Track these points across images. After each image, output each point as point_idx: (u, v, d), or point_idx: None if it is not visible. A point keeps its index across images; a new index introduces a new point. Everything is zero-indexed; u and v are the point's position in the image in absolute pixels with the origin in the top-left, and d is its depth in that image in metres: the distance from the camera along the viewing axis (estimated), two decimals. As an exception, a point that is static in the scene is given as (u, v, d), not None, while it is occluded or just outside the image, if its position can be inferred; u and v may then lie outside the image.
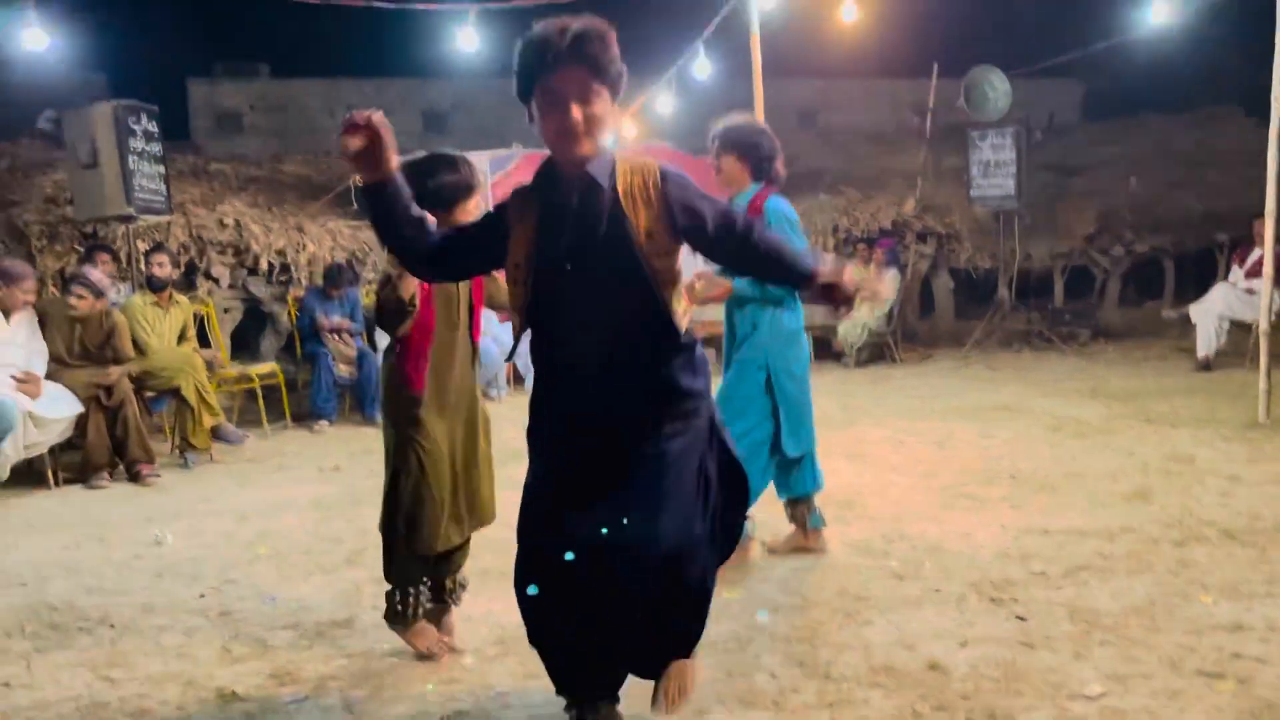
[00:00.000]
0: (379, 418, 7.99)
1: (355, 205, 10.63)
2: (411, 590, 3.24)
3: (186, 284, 9.17)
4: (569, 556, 2.34)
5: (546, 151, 2.37)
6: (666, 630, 2.53)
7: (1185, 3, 7.77)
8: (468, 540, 3.37)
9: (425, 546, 3.18)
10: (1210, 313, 9.08)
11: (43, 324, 6.38)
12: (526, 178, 2.45)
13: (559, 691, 2.63)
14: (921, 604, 3.60)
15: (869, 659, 3.13)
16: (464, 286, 3.28)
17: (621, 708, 2.63)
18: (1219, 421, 6.66)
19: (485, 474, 3.34)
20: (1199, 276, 11.91)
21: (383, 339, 7.99)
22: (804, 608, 3.62)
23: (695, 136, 14.32)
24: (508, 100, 2.36)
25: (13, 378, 5.92)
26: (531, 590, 2.45)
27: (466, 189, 3.16)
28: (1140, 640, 3.18)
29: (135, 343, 6.80)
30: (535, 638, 2.57)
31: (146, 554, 4.67)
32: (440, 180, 3.08)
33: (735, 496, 2.60)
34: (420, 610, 3.28)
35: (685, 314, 2.40)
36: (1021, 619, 3.41)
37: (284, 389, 8.41)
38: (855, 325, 10.54)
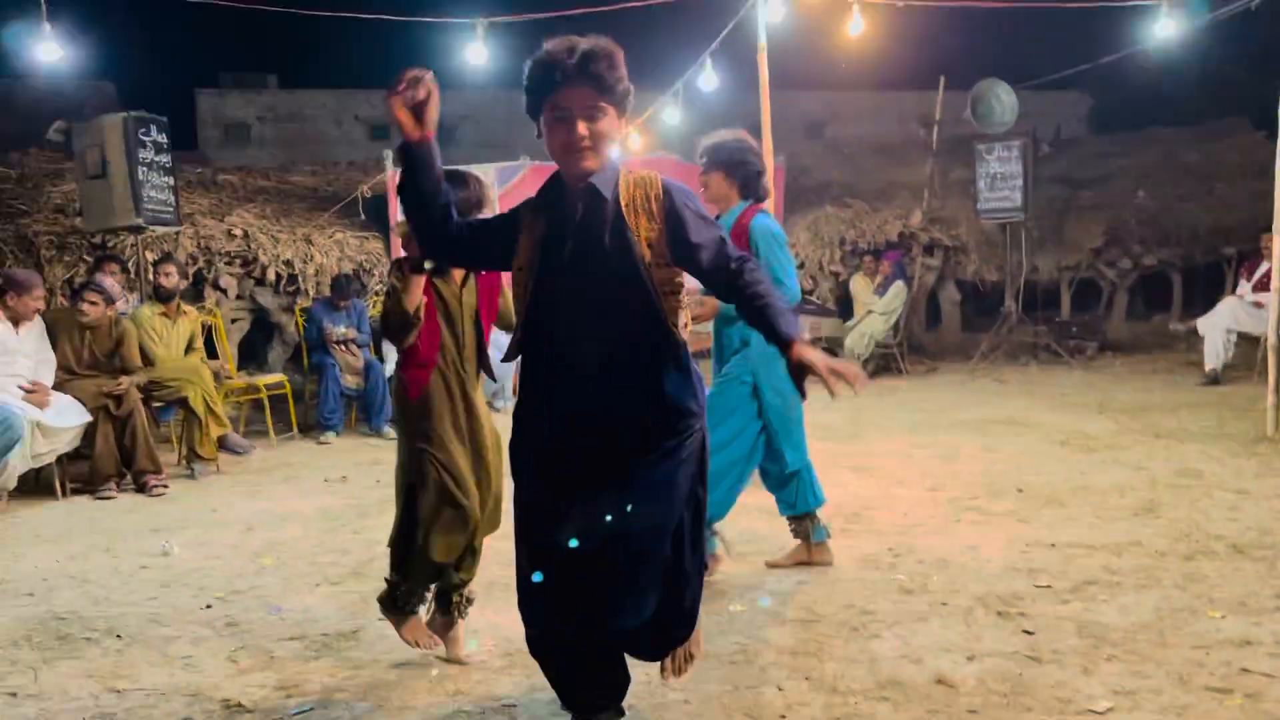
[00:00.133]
0: (385, 429, 8.09)
1: (363, 216, 10.66)
2: (418, 587, 3.29)
3: (194, 294, 9.20)
4: (566, 550, 2.38)
5: (554, 165, 2.42)
6: (664, 632, 2.56)
7: (1192, 16, 7.77)
8: (477, 552, 3.38)
9: (444, 555, 3.23)
10: (1218, 326, 9.06)
11: (52, 334, 6.40)
12: (533, 189, 2.51)
13: (564, 704, 2.63)
14: (928, 617, 3.59)
15: (876, 673, 3.13)
16: (469, 303, 3.30)
17: None
18: (1227, 436, 6.64)
19: (494, 484, 3.35)
20: (1207, 290, 11.89)
21: (390, 351, 8.02)
22: (810, 621, 3.61)
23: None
24: (515, 112, 2.41)
25: (20, 388, 5.95)
26: (536, 577, 2.47)
27: (476, 204, 3.21)
28: (1148, 655, 3.17)
29: (143, 353, 6.82)
30: (536, 645, 2.59)
31: (153, 564, 4.67)
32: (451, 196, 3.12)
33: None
34: (417, 605, 3.33)
35: (686, 326, 2.43)
36: (1029, 633, 3.40)
37: (291, 400, 8.43)
38: (862, 337, 10.54)
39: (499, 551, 3.54)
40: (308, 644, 3.58)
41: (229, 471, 6.93)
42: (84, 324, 6.50)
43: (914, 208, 12.19)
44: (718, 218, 3.96)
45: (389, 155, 10.39)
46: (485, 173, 10.00)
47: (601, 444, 2.39)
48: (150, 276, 7.75)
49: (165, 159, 7.85)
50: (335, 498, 5.98)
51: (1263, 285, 9.05)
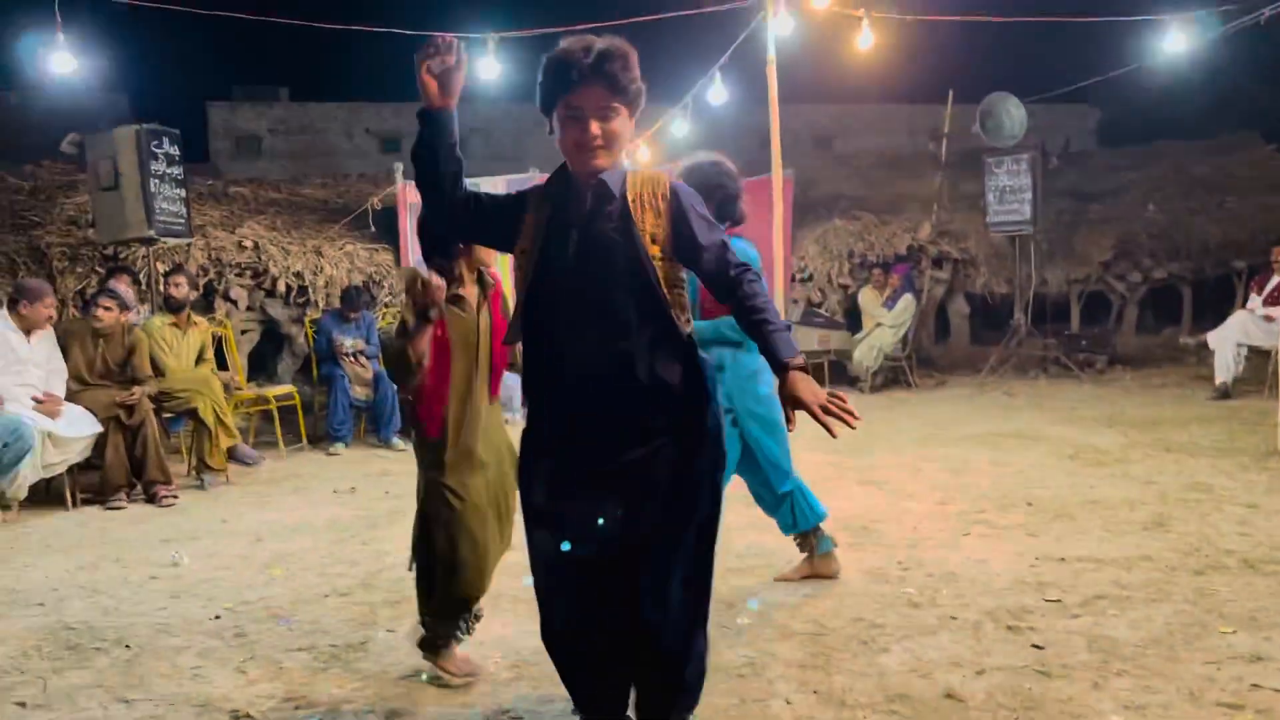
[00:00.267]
0: (394, 440, 8.11)
1: (373, 228, 10.70)
2: (457, 624, 3.25)
3: (205, 306, 9.24)
4: (584, 544, 2.40)
5: None
6: (674, 650, 2.52)
7: (1202, 30, 7.77)
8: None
9: (471, 590, 3.20)
10: (1228, 340, 9.03)
11: (64, 345, 6.44)
12: None
13: (575, 707, 2.65)
14: (937, 631, 3.58)
15: (884, 687, 3.12)
16: (486, 326, 3.26)
17: None
18: (1238, 450, 6.62)
19: (513, 507, 3.29)
20: (1217, 303, 11.85)
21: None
22: (819, 634, 3.60)
23: (711, 161, 14.25)
24: (525, 125, 2.45)
25: (33, 399, 5.98)
26: (557, 573, 2.49)
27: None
28: (1159, 670, 3.16)
29: (153, 363, 6.86)
30: (555, 641, 2.60)
31: (163, 575, 4.69)
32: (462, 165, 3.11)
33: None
34: (457, 641, 3.28)
35: (687, 320, 2.45)
36: (1038, 648, 3.39)
37: (300, 411, 8.45)
38: (871, 350, 10.53)
39: (505, 563, 3.53)
40: (316, 655, 3.58)
41: (238, 482, 6.95)
42: (98, 330, 6.54)
43: (923, 221, 12.19)
44: None
45: (399, 168, 10.43)
46: (494, 184, 10.06)
47: (611, 433, 2.40)
48: (161, 288, 7.79)
49: (177, 171, 7.90)
50: (344, 509, 5.99)
51: (1273, 299, 9.05)
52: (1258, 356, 9.05)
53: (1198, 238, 12.27)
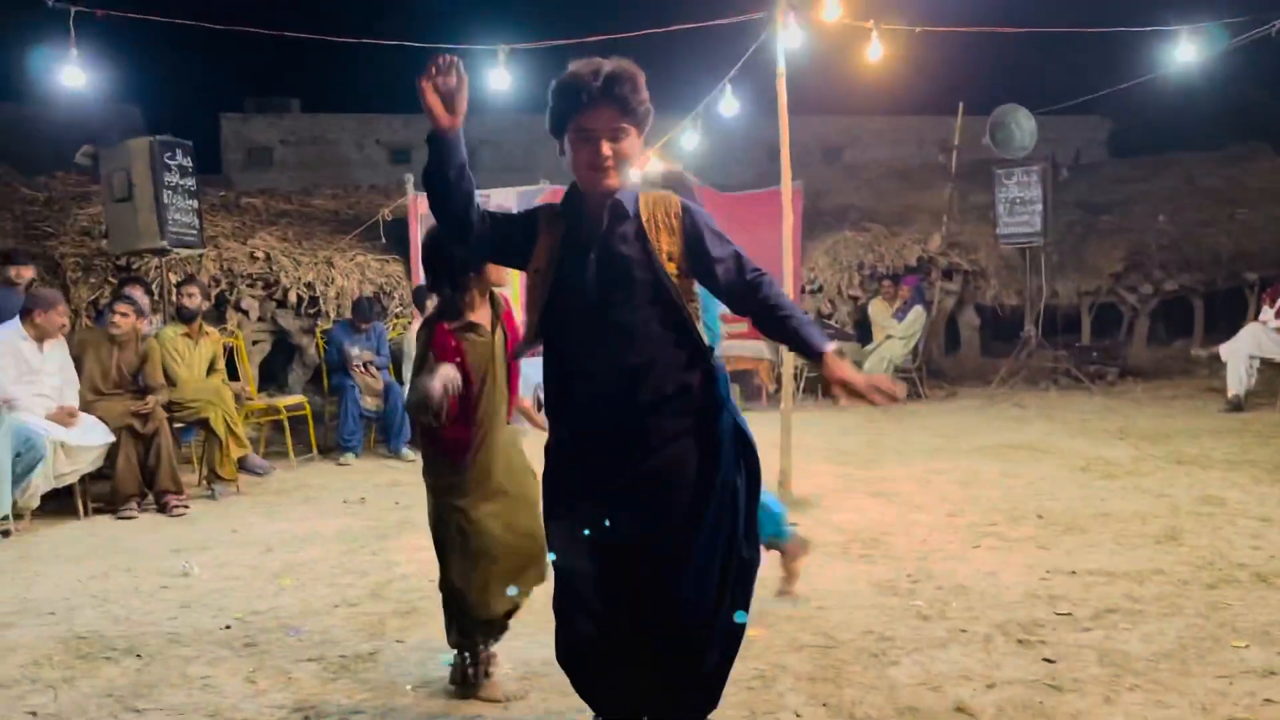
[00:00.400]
0: (404, 451, 8.12)
1: (384, 239, 10.74)
2: (481, 652, 3.24)
3: (216, 316, 9.28)
4: (609, 552, 2.43)
5: None
6: (700, 656, 2.51)
7: (1212, 41, 7.76)
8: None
9: (486, 611, 3.18)
10: (1240, 352, 8.99)
11: (78, 355, 6.48)
12: None
13: (595, 710, 2.67)
14: (948, 644, 3.57)
15: (894, 700, 3.11)
16: (501, 349, 3.25)
17: None
18: (1250, 463, 6.59)
19: (537, 530, 3.20)
20: (1229, 315, 11.81)
21: (408, 372, 8.06)
22: (828, 647, 3.59)
23: (722, 173, 14.41)
24: (535, 137, 2.48)
25: (50, 415, 6.01)
26: (577, 581, 2.52)
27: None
28: (1171, 685, 3.14)
29: (165, 373, 6.89)
30: (571, 651, 2.62)
31: (173, 584, 4.70)
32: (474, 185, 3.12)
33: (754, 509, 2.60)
34: (488, 670, 3.25)
35: (703, 331, 2.48)
36: (1049, 661, 3.37)
37: (311, 421, 8.47)
38: (881, 361, 10.51)
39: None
40: (326, 665, 3.59)
41: (249, 492, 6.97)
42: (114, 337, 6.59)
43: (933, 232, 12.18)
44: None
45: (410, 179, 10.48)
46: (505, 196, 10.08)
47: (633, 443, 2.43)
48: (174, 298, 7.83)
49: (190, 182, 7.94)
50: (354, 519, 6.00)
51: (1286, 312, 9.00)
52: (1270, 369, 9.01)
53: (1209, 249, 12.23)
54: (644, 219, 2.43)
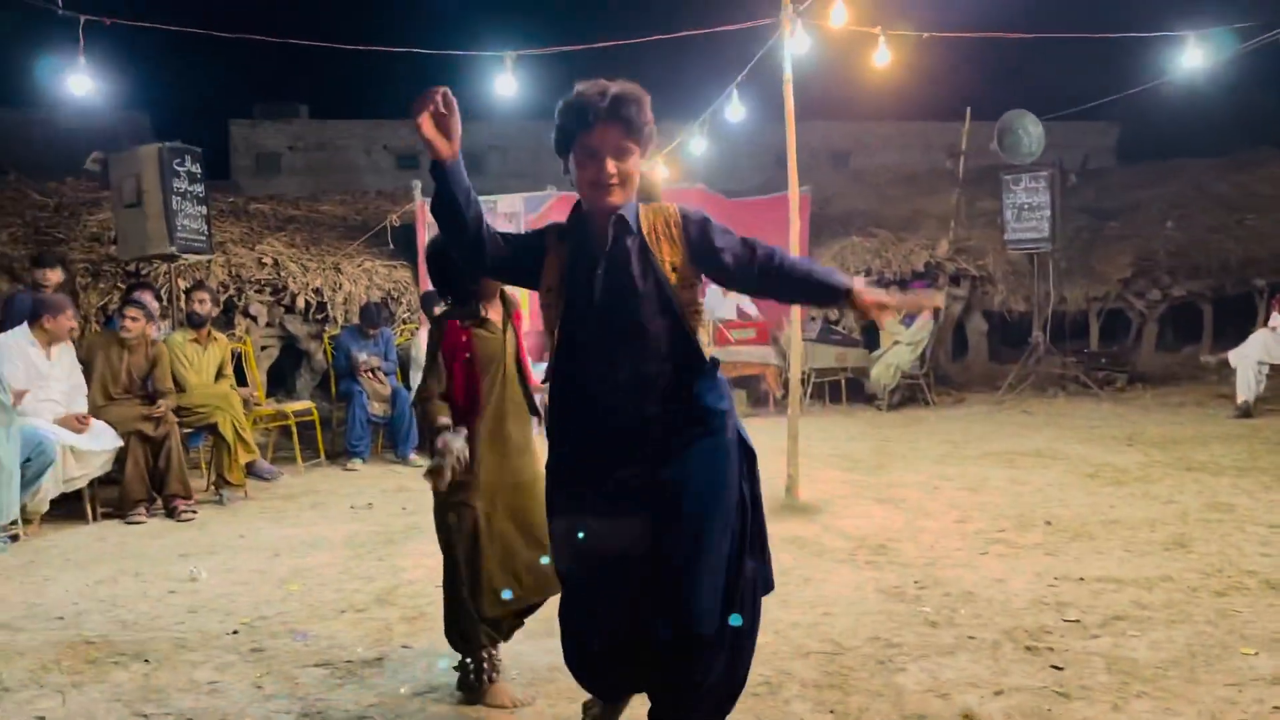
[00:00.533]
0: (411, 456, 8.13)
1: (391, 245, 10.77)
2: (485, 657, 3.24)
3: (225, 322, 9.31)
4: (613, 560, 2.45)
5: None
6: (715, 664, 2.50)
7: (1221, 46, 7.74)
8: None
9: (489, 611, 3.18)
10: (1249, 358, 8.97)
11: (88, 360, 6.50)
12: (560, 217, 2.62)
13: (598, 695, 2.71)
14: (955, 651, 3.56)
15: (901, 707, 3.10)
16: (511, 345, 3.28)
17: None
18: (1259, 469, 6.56)
19: (545, 536, 3.22)
20: (1238, 321, 11.77)
21: (416, 377, 8.07)
22: (835, 653, 3.59)
23: (729, 178, 14.42)
24: (543, 143, 2.51)
25: (60, 420, 6.02)
26: (582, 590, 2.56)
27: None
28: (1179, 692, 3.13)
29: (174, 378, 6.91)
30: (576, 655, 2.64)
31: (181, 589, 4.71)
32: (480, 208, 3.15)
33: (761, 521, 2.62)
34: (493, 675, 3.26)
35: (707, 344, 2.50)
36: (1057, 668, 3.36)
37: (318, 426, 8.49)
38: (888, 368, 10.50)
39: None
40: (332, 671, 3.59)
41: (257, 497, 6.98)
42: (124, 341, 6.61)
43: (940, 238, 12.17)
44: None
45: (417, 185, 10.51)
46: (512, 202, 10.11)
47: (640, 452, 2.47)
48: (183, 304, 7.85)
49: (198, 188, 7.97)
50: (361, 524, 6.01)
51: (1294, 317, 8.98)
52: (1279, 375, 8.97)
53: (1217, 255, 12.21)
54: (645, 232, 2.49)
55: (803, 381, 9.86)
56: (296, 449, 8.20)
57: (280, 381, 10.28)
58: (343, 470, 8.00)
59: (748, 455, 2.57)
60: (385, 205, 12.16)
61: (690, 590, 2.42)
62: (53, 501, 5.99)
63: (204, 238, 8.11)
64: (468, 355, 3.17)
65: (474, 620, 3.20)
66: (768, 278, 2.49)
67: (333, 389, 8.90)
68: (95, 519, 6.27)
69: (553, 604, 2.71)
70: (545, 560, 3.17)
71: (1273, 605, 3.92)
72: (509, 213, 10.07)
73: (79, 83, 6.68)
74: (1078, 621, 3.82)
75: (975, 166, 12.79)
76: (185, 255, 7.95)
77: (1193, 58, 7.72)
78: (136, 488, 6.33)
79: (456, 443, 3.07)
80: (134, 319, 6.63)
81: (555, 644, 2.70)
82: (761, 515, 2.60)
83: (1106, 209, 13.54)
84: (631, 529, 2.43)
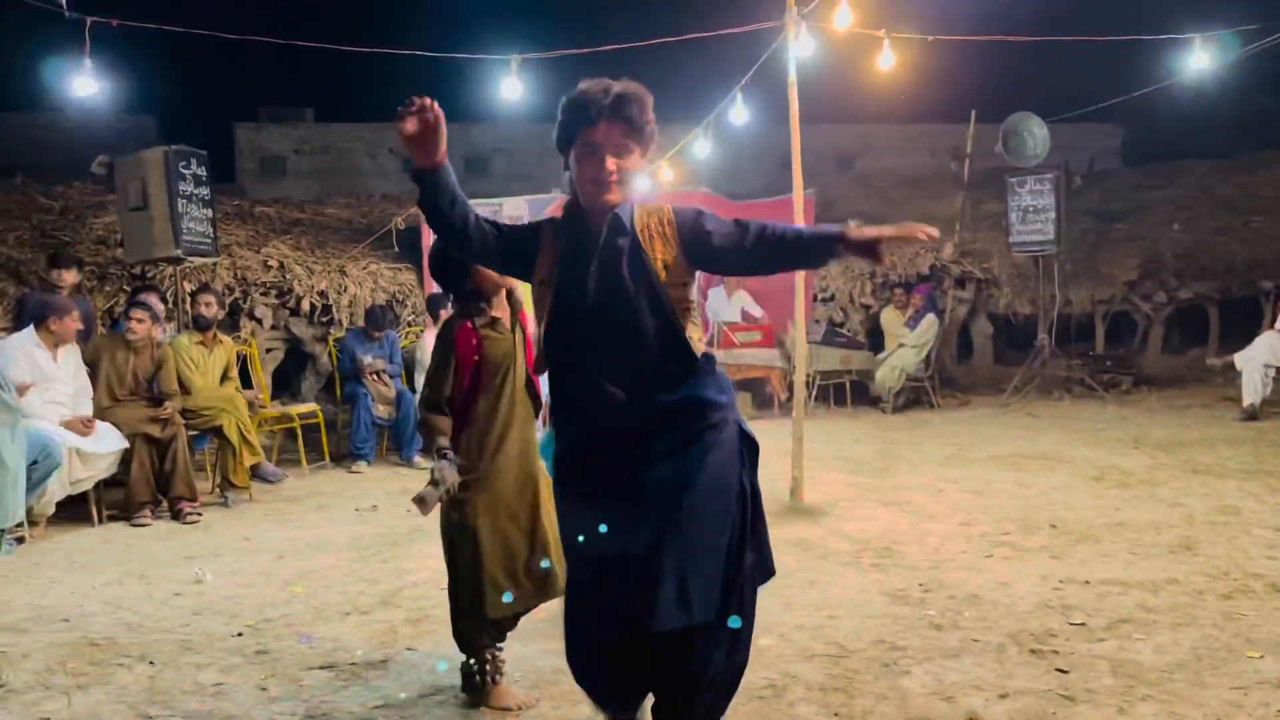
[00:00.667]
0: (416, 459, 8.13)
1: (396, 248, 10.79)
2: (488, 658, 3.24)
3: (230, 324, 9.32)
4: (611, 555, 2.44)
5: None
6: (711, 656, 2.51)
7: (1226, 49, 7.73)
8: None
9: (490, 610, 3.18)
10: (1256, 361, 8.94)
11: (94, 363, 6.51)
12: None
13: (599, 705, 2.69)
14: (960, 654, 3.56)
15: (906, 710, 3.09)
16: (519, 353, 3.28)
17: None
18: (1266, 472, 6.54)
19: (548, 539, 3.24)
20: (1244, 324, 11.75)
21: (421, 380, 8.07)
22: (840, 656, 3.58)
23: (733, 181, 14.41)
24: (547, 146, 2.54)
25: (66, 422, 6.04)
26: (583, 584, 2.57)
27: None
28: (1185, 696, 3.12)
29: (180, 381, 6.93)
30: (576, 650, 2.64)
31: (186, 591, 4.72)
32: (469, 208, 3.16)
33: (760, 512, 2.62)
34: (496, 677, 3.26)
35: (700, 340, 2.55)
36: (1063, 671, 3.36)
37: (323, 429, 8.50)
38: (893, 370, 10.48)
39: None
40: (337, 673, 3.59)
41: (261, 500, 6.99)
42: (130, 343, 6.63)
43: (945, 240, 12.15)
44: None
45: (424, 188, 10.50)
46: (517, 205, 10.12)
47: (638, 450, 2.47)
48: (188, 307, 7.87)
49: (204, 191, 7.99)
50: (366, 527, 6.01)
51: (1301, 320, 8.96)
52: (1286, 378, 8.95)
53: (1224, 258, 12.18)
54: (639, 230, 2.50)
55: (807, 384, 9.85)
56: (301, 451, 8.21)
57: (285, 384, 10.29)
58: (347, 473, 8.01)
59: (749, 447, 2.58)
60: (390, 208, 12.18)
61: (687, 581, 2.41)
62: (58, 504, 6.00)
63: (209, 241, 8.12)
64: (478, 358, 3.18)
65: (477, 622, 3.20)
66: (761, 248, 2.46)
67: (338, 391, 8.91)
68: (101, 521, 6.29)
69: (554, 606, 2.71)
70: (547, 564, 3.18)
71: (1278, 609, 3.91)
72: (514, 216, 10.07)
73: (85, 84, 6.70)
74: (1083, 624, 3.81)
75: (980, 169, 12.77)
76: (191, 258, 7.96)
77: (1199, 60, 7.71)
78: (142, 490, 6.34)
79: (450, 474, 3.09)
80: (140, 321, 6.65)
81: (558, 646, 2.70)
82: (761, 506, 2.60)
83: (1112, 211, 13.52)
84: (633, 524, 2.43)
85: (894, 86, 9.01)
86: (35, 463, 5.72)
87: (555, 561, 3.18)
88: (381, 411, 8.36)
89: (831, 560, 4.86)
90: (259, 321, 9.66)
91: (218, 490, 7.02)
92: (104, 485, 6.37)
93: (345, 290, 9.90)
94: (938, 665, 3.46)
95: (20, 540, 5.71)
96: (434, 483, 3.07)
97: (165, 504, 6.48)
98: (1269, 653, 3.45)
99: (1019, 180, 11.04)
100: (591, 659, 2.63)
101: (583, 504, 2.53)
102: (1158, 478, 6.53)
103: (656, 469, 2.45)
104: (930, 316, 10.74)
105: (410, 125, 2.35)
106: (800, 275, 6.23)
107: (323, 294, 9.81)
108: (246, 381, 8.27)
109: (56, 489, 5.87)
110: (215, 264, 9.07)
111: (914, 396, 10.80)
